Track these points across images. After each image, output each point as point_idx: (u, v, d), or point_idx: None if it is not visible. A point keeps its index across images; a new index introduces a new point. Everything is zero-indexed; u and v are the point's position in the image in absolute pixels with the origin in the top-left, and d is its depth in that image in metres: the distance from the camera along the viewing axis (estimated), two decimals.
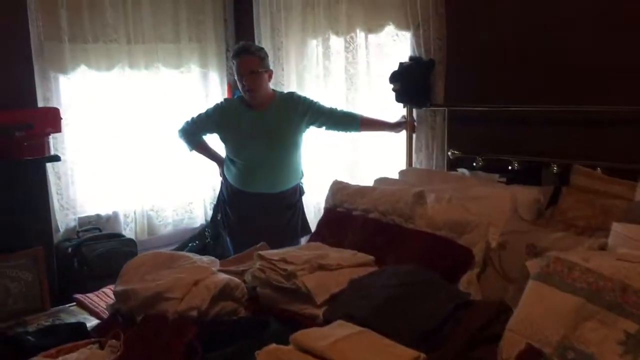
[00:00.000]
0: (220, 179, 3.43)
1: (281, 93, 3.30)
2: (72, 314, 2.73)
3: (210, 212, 4.16)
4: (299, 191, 3.33)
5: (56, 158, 3.03)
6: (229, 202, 3.31)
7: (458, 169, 2.88)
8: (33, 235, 3.07)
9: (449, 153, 2.95)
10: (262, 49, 3.23)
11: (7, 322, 2.66)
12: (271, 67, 3.28)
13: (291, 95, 3.29)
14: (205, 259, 2.22)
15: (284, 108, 3.17)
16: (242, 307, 2.08)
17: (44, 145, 2.97)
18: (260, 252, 2.13)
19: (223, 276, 2.07)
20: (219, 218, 3.45)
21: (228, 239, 3.36)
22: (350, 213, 2.48)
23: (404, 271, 1.89)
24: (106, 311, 2.51)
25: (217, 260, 2.22)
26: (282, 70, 3.78)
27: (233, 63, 3.15)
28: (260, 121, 3.14)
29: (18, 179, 3.00)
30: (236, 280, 2.08)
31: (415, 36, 3.01)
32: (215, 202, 3.68)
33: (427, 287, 1.81)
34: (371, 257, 2.12)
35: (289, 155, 3.21)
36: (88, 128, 3.73)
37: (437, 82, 2.99)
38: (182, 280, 1.99)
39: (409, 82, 2.96)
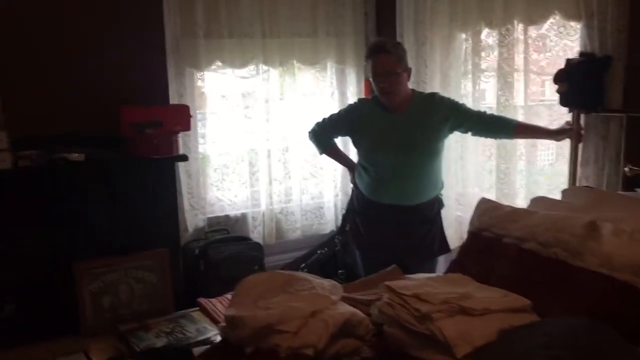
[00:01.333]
0: (352, 186, 3.15)
1: (420, 94, 2.94)
2: (193, 321, 2.62)
3: (341, 219, 3.92)
4: (437, 204, 2.95)
5: (183, 157, 2.93)
6: (360, 212, 3.02)
7: (637, 189, 2.36)
8: (160, 235, 3.00)
9: (626, 169, 2.42)
10: (399, 44, 2.87)
11: (130, 323, 2.61)
12: (411, 64, 2.93)
13: (432, 96, 2.92)
14: (327, 283, 1.93)
15: (423, 111, 2.81)
16: (365, 346, 1.77)
17: (173, 144, 2.88)
18: (389, 284, 1.80)
19: (345, 309, 1.78)
20: (347, 229, 3.18)
21: (357, 252, 3.08)
22: (499, 240, 2.07)
23: (573, 327, 1.47)
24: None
25: (340, 286, 1.93)
26: (426, 67, 3.40)
27: (367, 62, 2.84)
28: (396, 125, 2.80)
29: (147, 178, 2.94)
30: (360, 314, 1.78)
31: (588, 27, 2.51)
32: (344, 212, 3.42)
33: (606, 353, 1.39)
34: (527, 302, 1.71)
35: (427, 163, 2.84)
36: (220, 126, 3.63)
37: (613, 82, 2.46)
38: (297, 310, 1.72)
39: (577, 83, 2.47)
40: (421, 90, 3.22)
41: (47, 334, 2.58)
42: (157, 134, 2.83)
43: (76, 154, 2.63)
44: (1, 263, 2.61)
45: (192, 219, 3.52)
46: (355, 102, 3.10)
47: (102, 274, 2.75)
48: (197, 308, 2.69)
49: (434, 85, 3.36)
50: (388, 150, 2.81)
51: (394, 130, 2.80)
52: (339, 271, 3.73)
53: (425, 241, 2.91)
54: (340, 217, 3.92)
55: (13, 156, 2.45)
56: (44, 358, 2.38)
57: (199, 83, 3.48)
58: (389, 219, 2.86)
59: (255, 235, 3.69)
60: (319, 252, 3.84)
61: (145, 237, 2.93)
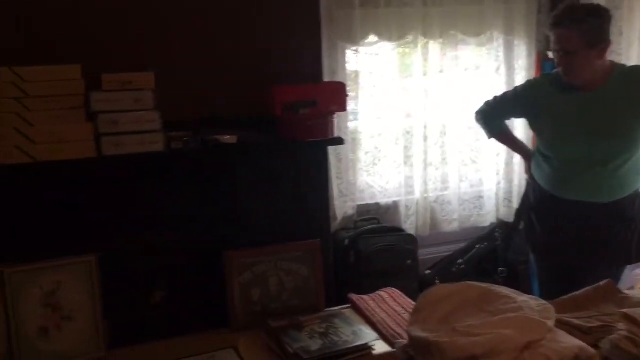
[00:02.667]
0: (527, 177, 2.72)
1: (622, 67, 2.42)
2: (347, 322, 2.38)
3: (503, 210, 3.49)
4: (638, 201, 2.45)
5: (339, 141, 2.65)
6: (536, 208, 2.58)
7: None
8: (311, 225, 2.77)
9: None
10: (593, 15, 2.25)
11: (280, 319, 2.43)
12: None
13: (637, 69, 2.40)
14: (534, 302, 1.55)
15: (625, 88, 2.31)
16: None
17: (328, 125, 2.61)
18: (629, 312, 1.39)
19: (567, 340, 1.40)
20: (521, 227, 2.76)
21: (532, 257, 2.66)
22: None
23: None
24: (384, 325, 2.14)
25: (551, 308, 1.54)
26: (621, 34, 2.86)
27: (550, 33, 2.36)
28: (588, 106, 2.33)
29: (299, 162, 2.71)
30: (589, 350, 1.39)
31: None
32: (518, 207, 2.98)
33: None
34: None
35: (628, 151, 2.35)
36: (372, 105, 3.33)
37: None
38: (508, 339, 1.37)
39: None
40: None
41: (196, 325, 2.47)
42: (311, 114, 2.58)
43: (228, 136, 2.44)
44: (151, 249, 2.50)
45: (341, 207, 3.26)
46: (536, 78, 2.66)
47: (252, 265, 2.56)
48: (349, 305, 2.45)
49: (631, 56, 2.81)
50: (578, 137, 2.35)
51: (586, 112, 2.33)
52: (500, 269, 3.33)
53: (621, 245, 2.43)
54: (502, 208, 3.49)
55: (165, 137, 2.31)
56: (194, 352, 2.25)
57: (352, 58, 3.19)
58: (574, 217, 2.42)
59: (408, 226, 3.37)
60: (477, 246, 3.46)
61: (296, 225, 2.71)
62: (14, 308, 2.16)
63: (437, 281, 3.22)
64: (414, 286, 3.14)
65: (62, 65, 2.19)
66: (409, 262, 3.12)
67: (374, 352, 1.95)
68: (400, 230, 3.26)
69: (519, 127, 3.23)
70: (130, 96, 2.23)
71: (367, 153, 3.36)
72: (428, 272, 3.37)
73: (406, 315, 2.09)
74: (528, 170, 2.66)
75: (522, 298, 1.54)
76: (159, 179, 2.47)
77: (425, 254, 3.33)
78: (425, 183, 3.39)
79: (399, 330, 2.04)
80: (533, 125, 2.57)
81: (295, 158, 2.69)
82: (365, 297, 2.59)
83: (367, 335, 2.12)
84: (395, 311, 2.29)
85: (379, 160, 3.37)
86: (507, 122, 2.74)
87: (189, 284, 2.65)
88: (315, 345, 2.15)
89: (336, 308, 2.53)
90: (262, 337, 2.35)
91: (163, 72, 2.36)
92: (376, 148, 3.36)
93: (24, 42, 2.34)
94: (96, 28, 2.44)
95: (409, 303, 2.28)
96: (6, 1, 2.34)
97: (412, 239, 3.21)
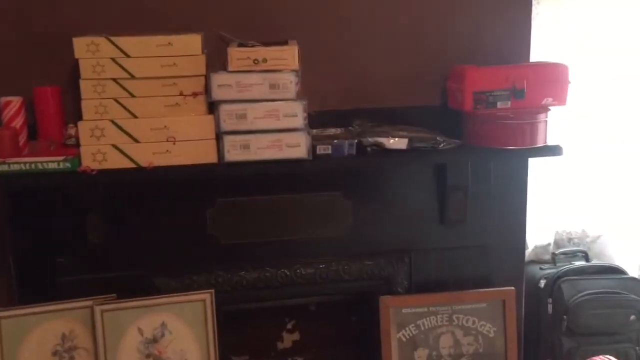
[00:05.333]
0: None
1: None
2: None
3: None
4: None
5: (555, 150, 1.82)
6: None
7: None
8: (501, 265, 2.00)
9: None
10: None
11: None
12: None
13: None
14: None
15: None
16: None
17: (538, 126, 1.80)
18: None
19: None
20: None
21: None
22: None
23: None
24: None
25: None
26: None
27: None
28: None
29: (491, 179, 1.94)
30: None
31: None
32: None
33: None
34: None
35: None
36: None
37: None
38: None
39: None
40: None
41: None
42: (516, 109, 1.78)
43: (395, 139, 1.72)
44: (283, 282, 1.86)
45: (533, 232, 2.42)
46: None
47: (419, 316, 1.85)
48: None
49: None
50: None
51: None
52: None
53: None
54: None
55: (310, 139, 1.65)
56: None
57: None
58: None
59: (630, 264, 2.44)
60: None
61: (481, 264, 1.96)
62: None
63: None
64: (637, 352, 2.25)
65: (176, 34, 1.59)
66: (632, 317, 2.22)
67: None
68: (619, 270, 2.35)
69: None
70: (263, 79, 1.58)
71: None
72: None
73: None
74: None
75: None
76: (295, 192, 1.83)
77: None
78: None
79: None
80: None
81: (484, 172, 1.92)
82: None
83: None
84: None
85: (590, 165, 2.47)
86: None
87: (327, 335, 2.01)
88: None
89: None
90: None
91: (306, 48, 1.68)
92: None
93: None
94: None
95: None
96: None
97: (637, 285, 2.29)
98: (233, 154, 1.61)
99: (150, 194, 1.74)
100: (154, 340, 1.70)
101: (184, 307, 1.71)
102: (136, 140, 1.58)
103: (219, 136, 1.60)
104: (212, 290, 1.72)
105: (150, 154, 1.59)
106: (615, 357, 1.99)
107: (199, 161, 1.61)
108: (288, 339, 2.04)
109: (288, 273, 1.81)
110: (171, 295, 1.72)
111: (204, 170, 1.60)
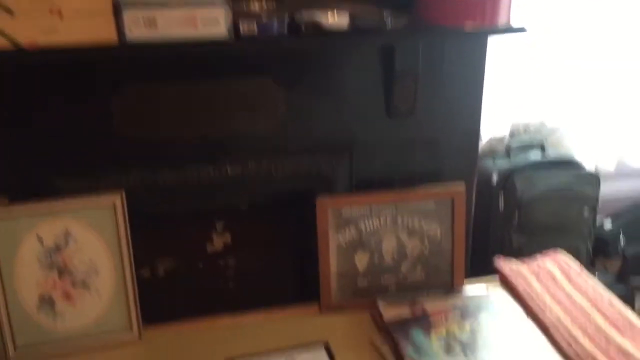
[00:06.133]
0: None
1: None
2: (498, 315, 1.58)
3: None
4: None
5: (517, 29, 1.59)
6: None
7: None
8: (452, 158, 1.83)
9: None
10: None
11: (397, 305, 1.60)
12: None
13: None
14: None
15: None
16: None
17: (498, 3, 1.56)
18: None
19: None
20: None
21: None
22: None
23: None
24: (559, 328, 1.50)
25: None
26: None
27: None
28: None
29: (445, 63, 1.71)
30: None
31: None
32: None
33: None
34: None
35: None
36: None
37: None
38: None
39: None
40: None
41: (269, 298, 1.71)
42: None
43: (333, 17, 1.46)
44: (207, 184, 1.66)
45: (488, 124, 2.25)
46: None
47: (359, 218, 1.68)
48: (495, 276, 1.77)
49: None
50: None
51: None
52: None
53: None
54: None
55: (230, 15, 1.37)
56: (263, 342, 1.55)
57: None
58: None
59: (587, 158, 2.32)
60: None
61: (431, 162, 1.78)
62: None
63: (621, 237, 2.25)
64: (587, 247, 2.17)
65: None
66: (585, 214, 2.13)
67: None
68: (575, 164, 2.21)
69: None
70: None
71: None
72: (609, 227, 2.35)
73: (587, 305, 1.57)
74: None
75: None
76: (216, 78, 1.57)
77: (607, 198, 2.30)
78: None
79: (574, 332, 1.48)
80: None
81: (438, 55, 1.70)
82: (521, 267, 1.79)
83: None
84: (570, 297, 1.62)
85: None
86: None
87: (261, 237, 1.84)
88: None
89: (478, 287, 1.73)
90: (366, 329, 1.59)
91: None
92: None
93: None
94: None
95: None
96: None
97: (593, 179, 2.17)
98: (136, 32, 1.32)
99: (42, 81, 1.46)
100: (57, 248, 1.49)
101: (89, 212, 1.49)
102: (10, 12, 1.28)
103: (117, 10, 1.32)
104: (122, 192, 1.50)
105: (34, 31, 1.30)
106: (566, 252, 1.92)
107: (95, 40, 1.33)
108: (219, 241, 1.86)
109: (212, 173, 1.60)
110: (74, 197, 1.49)
111: (100, 52, 1.32)
